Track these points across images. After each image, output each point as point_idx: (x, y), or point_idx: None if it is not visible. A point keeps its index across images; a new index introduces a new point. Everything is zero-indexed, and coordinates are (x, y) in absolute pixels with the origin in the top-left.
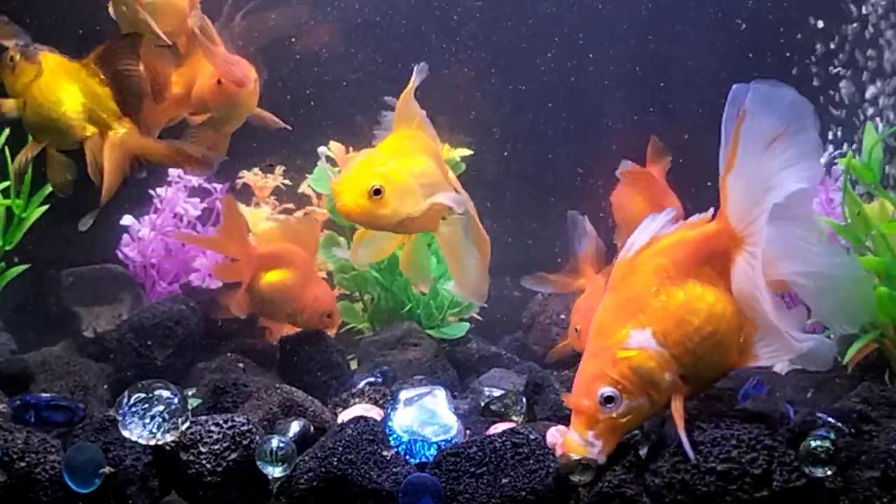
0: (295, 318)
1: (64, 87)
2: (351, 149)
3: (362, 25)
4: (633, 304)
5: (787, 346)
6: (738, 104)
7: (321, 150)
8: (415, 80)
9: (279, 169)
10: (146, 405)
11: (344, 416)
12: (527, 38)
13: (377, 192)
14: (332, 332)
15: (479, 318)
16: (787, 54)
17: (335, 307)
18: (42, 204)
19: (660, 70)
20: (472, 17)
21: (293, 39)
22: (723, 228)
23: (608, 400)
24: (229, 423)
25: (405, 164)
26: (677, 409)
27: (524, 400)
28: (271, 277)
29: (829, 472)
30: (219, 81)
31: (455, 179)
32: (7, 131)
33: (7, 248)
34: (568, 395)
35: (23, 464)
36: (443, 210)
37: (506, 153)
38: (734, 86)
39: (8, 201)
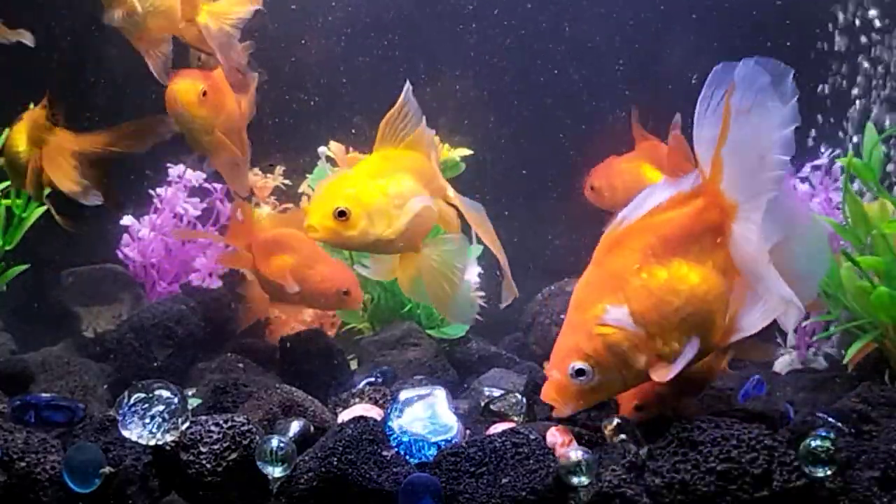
0: (309, 301)
1: (18, 131)
2: (350, 149)
3: (363, 26)
4: (614, 281)
5: (774, 308)
6: (719, 81)
7: (321, 150)
8: (402, 100)
9: (279, 169)
10: (146, 405)
11: (344, 416)
12: (530, 37)
13: (342, 213)
14: (335, 326)
15: (479, 318)
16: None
17: (353, 283)
18: (42, 204)
19: (663, 70)
20: (475, 17)
21: (303, 41)
22: (712, 202)
23: (579, 373)
24: (229, 423)
25: (381, 184)
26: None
27: (524, 400)
28: (274, 263)
29: (829, 472)
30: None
31: (454, 195)
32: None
33: (7, 247)
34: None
35: (23, 464)
36: (425, 232)
37: (507, 154)
38: (714, 68)
39: (8, 201)
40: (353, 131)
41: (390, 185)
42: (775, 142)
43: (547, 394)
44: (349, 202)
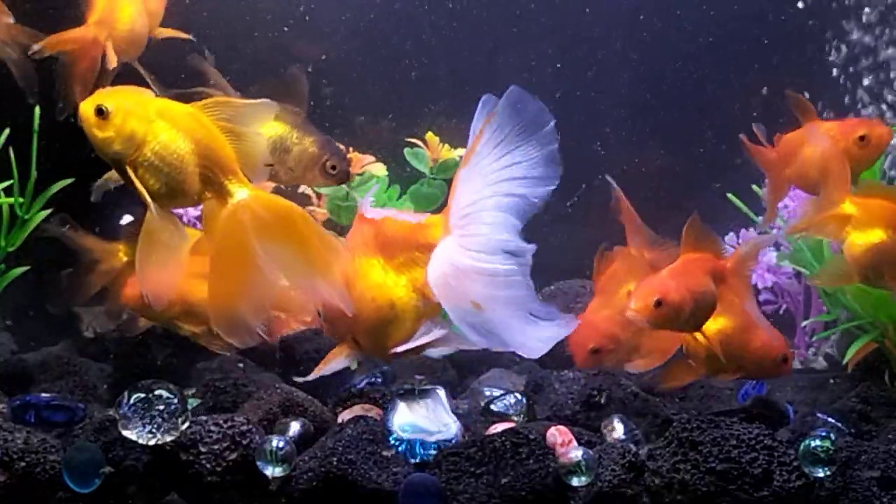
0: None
1: None
2: (351, 149)
3: (363, 26)
4: None
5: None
6: (488, 109)
7: None
8: (248, 103)
9: None
10: (146, 405)
11: (344, 416)
12: (532, 36)
13: (100, 111)
14: None
15: None
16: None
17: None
18: (45, 206)
19: (660, 70)
20: (476, 16)
21: (304, 42)
22: (441, 220)
23: None
24: (229, 423)
25: (158, 124)
26: None
27: (524, 400)
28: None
29: (829, 472)
30: None
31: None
32: (7, 131)
33: (9, 249)
34: None
35: (23, 464)
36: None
37: None
38: (484, 96)
39: (10, 199)
40: (360, 131)
41: (163, 132)
42: (517, 186)
43: None
44: (117, 108)
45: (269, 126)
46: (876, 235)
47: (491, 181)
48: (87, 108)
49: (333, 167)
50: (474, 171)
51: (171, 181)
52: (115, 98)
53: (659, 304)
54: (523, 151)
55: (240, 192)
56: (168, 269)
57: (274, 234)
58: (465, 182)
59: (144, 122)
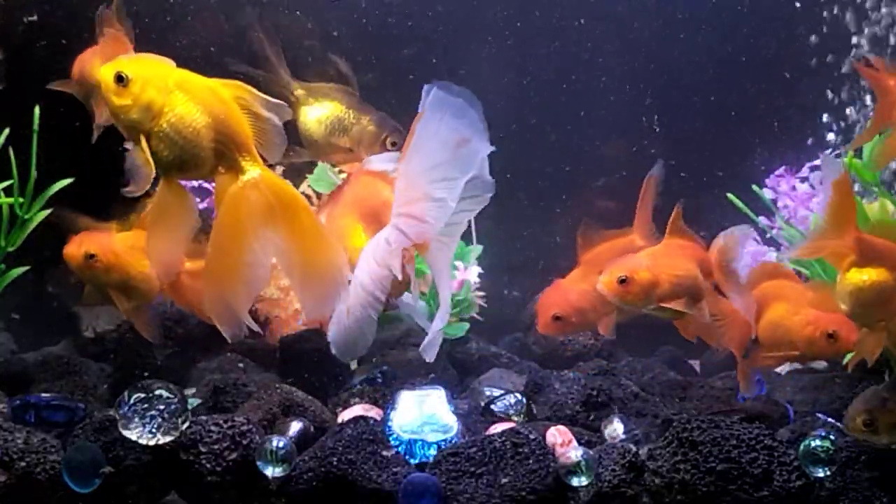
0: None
1: None
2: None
3: (365, 27)
4: None
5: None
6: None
7: None
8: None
9: (279, 169)
10: (146, 405)
11: (344, 416)
12: (532, 36)
13: (120, 78)
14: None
15: (478, 318)
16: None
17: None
18: (45, 206)
19: (659, 71)
20: (475, 18)
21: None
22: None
23: None
24: (229, 423)
25: (179, 95)
26: None
27: (524, 400)
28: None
29: (829, 472)
30: None
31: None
32: (7, 131)
33: (10, 249)
34: None
35: (23, 464)
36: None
37: (508, 153)
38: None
39: (10, 199)
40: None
41: (180, 104)
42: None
43: None
44: (136, 76)
45: (325, 107)
46: (875, 275)
47: (417, 182)
48: (107, 73)
49: (394, 143)
50: (407, 170)
51: (184, 153)
52: (136, 66)
53: (623, 281)
54: (447, 155)
55: (252, 171)
56: (175, 240)
57: (277, 218)
58: (401, 178)
59: (163, 92)
